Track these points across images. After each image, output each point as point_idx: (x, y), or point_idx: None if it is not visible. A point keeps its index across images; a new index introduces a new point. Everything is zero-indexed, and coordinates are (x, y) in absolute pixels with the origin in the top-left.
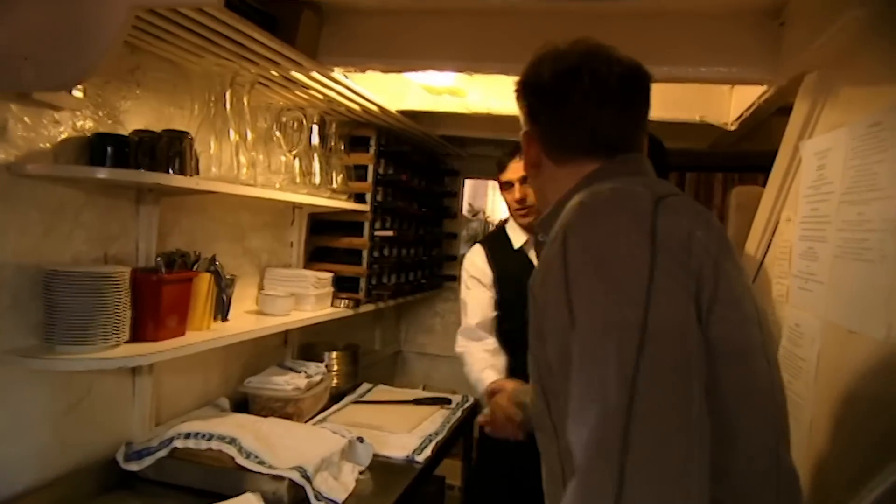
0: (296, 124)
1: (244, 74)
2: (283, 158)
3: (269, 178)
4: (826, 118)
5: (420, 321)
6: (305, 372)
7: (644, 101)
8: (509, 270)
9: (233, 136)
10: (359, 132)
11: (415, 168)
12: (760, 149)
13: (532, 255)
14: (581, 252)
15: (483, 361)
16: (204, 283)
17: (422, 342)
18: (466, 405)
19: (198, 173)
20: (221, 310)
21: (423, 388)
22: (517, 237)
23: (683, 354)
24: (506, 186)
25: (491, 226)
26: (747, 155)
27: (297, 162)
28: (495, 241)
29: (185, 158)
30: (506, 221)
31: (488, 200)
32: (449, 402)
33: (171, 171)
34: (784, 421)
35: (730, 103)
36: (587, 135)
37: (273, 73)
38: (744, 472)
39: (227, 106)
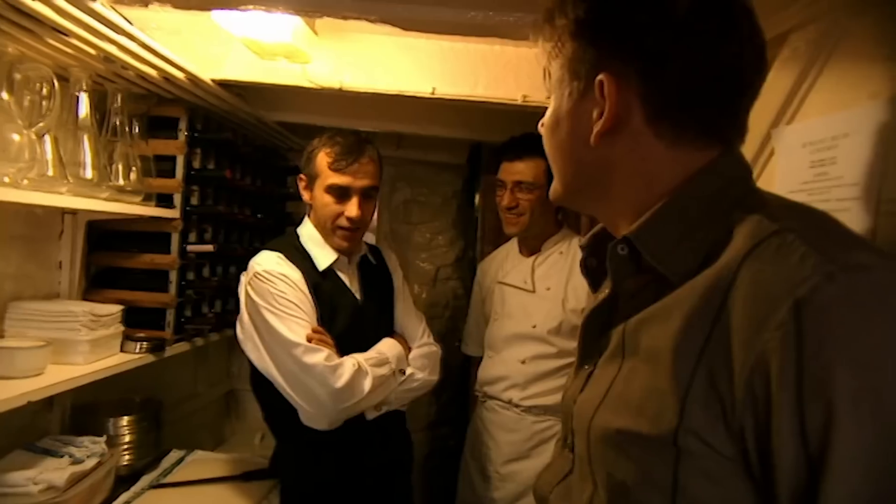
0: (44, 87)
1: None
2: (17, 138)
3: None
4: (824, 93)
5: None
6: (71, 455)
7: None
8: (326, 303)
9: None
10: (162, 111)
11: (245, 163)
12: None
13: (344, 277)
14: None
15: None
16: None
17: None
18: None
19: None
20: None
21: (262, 440)
22: (323, 255)
23: None
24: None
25: None
26: None
27: (47, 145)
28: (297, 255)
29: None
30: (296, 227)
31: None
32: None
33: None
34: None
35: None
36: (735, 105)
37: None
38: None
39: None
